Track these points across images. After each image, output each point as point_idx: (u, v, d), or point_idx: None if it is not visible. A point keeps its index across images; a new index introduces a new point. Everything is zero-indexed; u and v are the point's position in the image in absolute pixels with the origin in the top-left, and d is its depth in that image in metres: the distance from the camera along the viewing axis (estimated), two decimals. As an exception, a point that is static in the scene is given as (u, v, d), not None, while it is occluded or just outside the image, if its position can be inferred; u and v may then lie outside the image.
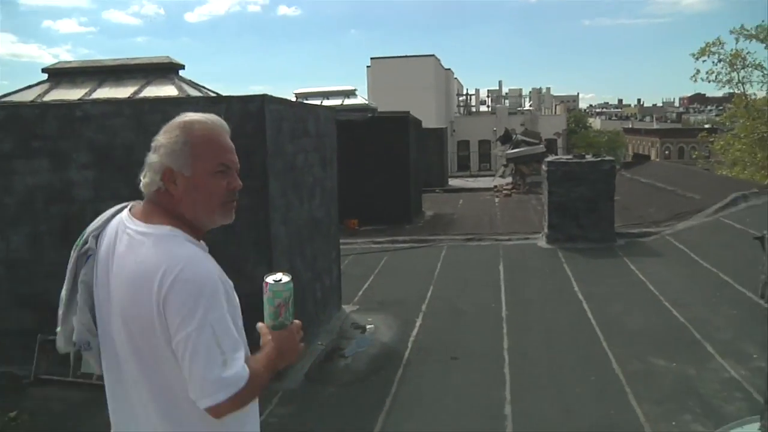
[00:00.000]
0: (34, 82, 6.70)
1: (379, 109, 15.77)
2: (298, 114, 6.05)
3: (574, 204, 10.43)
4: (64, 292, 1.82)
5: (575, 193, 10.44)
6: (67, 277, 1.82)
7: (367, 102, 15.13)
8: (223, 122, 1.86)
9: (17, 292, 5.97)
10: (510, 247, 10.72)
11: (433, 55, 42.92)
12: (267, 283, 1.83)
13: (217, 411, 1.62)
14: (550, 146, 30.46)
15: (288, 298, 1.87)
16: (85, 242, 1.79)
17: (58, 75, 6.73)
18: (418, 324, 6.91)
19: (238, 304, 1.81)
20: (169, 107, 5.34)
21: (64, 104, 5.64)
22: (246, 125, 5.18)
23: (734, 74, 27.93)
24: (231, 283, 1.80)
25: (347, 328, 6.92)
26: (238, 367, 1.63)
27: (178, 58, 6.56)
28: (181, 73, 6.58)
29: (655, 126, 79.24)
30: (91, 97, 6.07)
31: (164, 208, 1.75)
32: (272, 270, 5.23)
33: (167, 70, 6.46)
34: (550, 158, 11.88)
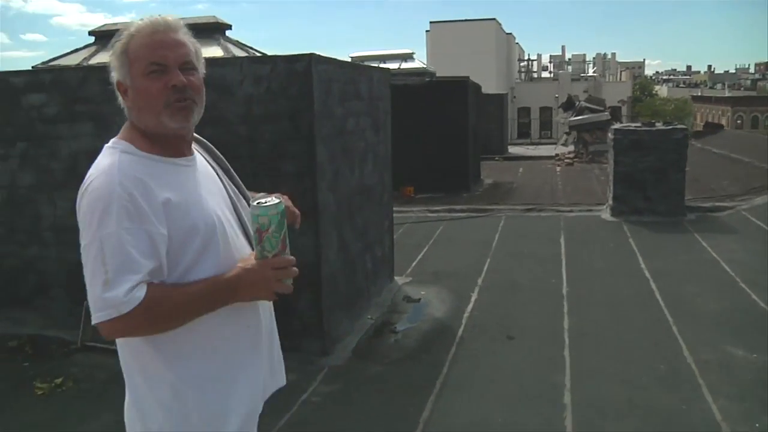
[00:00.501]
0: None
1: (438, 74, 15.30)
2: (349, 75, 5.71)
3: (641, 174, 9.86)
4: None
5: (643, 163, 9.86)
6: None
7: (425, 66, 14.67)
8: (170, 20, 1.72)
9: (64, 257, 5.89)
10: (571, 218, 10.24)
11: (494, 19, 41.82)
12: (251, 205, 1.67)
13: (103, 331, 1.53)
14: (615, 114, 29.34)
15: (267, 225, 1.64)
16: None
17: (104, 38, 6.56)
18: (473, 299, 6.58)
19: (198, 185, 1.70)
20: (212, 68, 5.07)
21: (106, 67, 5.44)
22: (292, 86, 4.89)
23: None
24: (194, 203, 1.66)
25: (399, 301, 6.64)
26: (123, 289, 1.48)
27: (236, 24, 6.31)
28: (228, 33, 6.32)
29: (727, 93, 75.86)
30: (136, 58, 5.87)
31: (130, 123, 1.72)
32: (318, 240, 4.99)
33: (213, 30, 6.21)
34: (617, 125, 11.26)
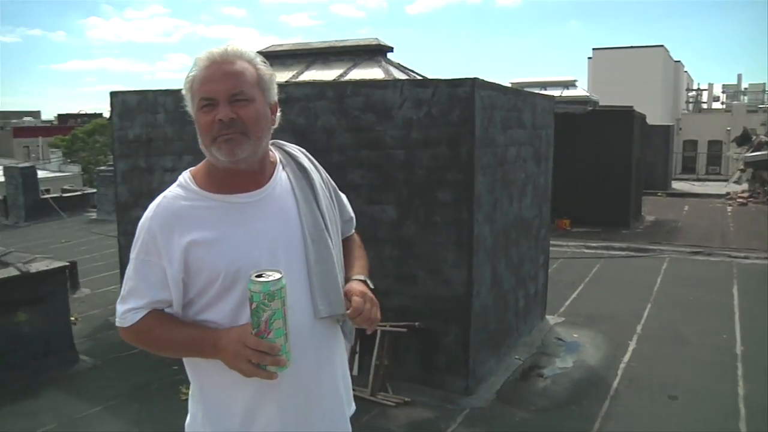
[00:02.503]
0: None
1: (600, 103, 14.62)
2: (512, 102, 5.44)
3: (834, 223, 8.77)
4: None
5: (837, 210, 8.76)
6: None
7: (587, 94, 14.05)
8: (226, 50, 1.67)
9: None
10: (746, 266, 9.29)
11: (661, 46, 39.76)
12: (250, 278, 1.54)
13: (120, 333, 1.73)
14: (797, 151, 26.79)
15: (251, 299, 1.52)
16: None
17: (269, 58, 6.66)
18: (631, 348, 6.05)
19: (239, 224, 1.66)
20: (371, 90, 5.01)
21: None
22: (453, 111, 4.69)
23: None
24: (233, 240, 1.64)
25: (549, 342, 6.24)
26: (124, 308, 1.68)
27: (397, 49, 6.25)
28: (390, 56, 6.25)
29: None
30: (298, 79, 5.93)
31: None
32: (471, 273, 4.75)
33: (375, 53, 6.16)
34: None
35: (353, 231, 2.04)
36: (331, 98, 5.16)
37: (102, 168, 17.92)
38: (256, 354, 1.54)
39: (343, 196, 2.00)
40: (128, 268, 1.71)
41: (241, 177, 1.69)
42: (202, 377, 1.76)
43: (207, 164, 1.73)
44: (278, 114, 1.77)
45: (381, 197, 5.03)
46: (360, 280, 1.81)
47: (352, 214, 2.02)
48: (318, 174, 1.88)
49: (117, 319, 1.71)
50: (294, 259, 1.70)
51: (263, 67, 1.72)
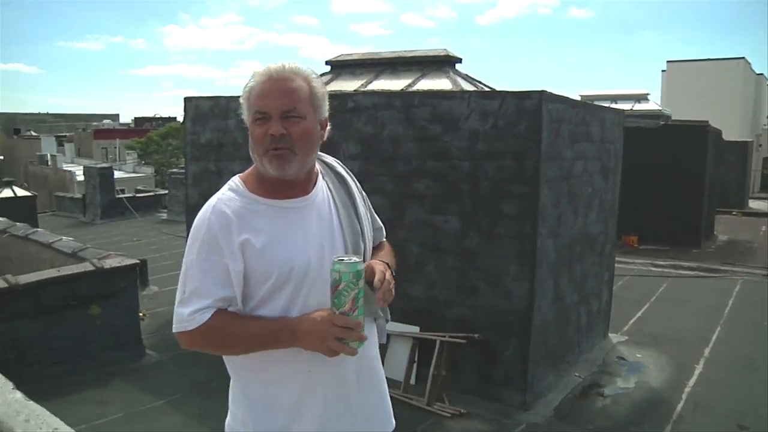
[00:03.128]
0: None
1: (673, 117, 14.25)
2: (580, 115, 5.37)
3: None
4: None
5: None
6: None
7: (660, 108, 13.72)
8: (284, 67, 1.74)
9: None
10: (826, 291, 8.87)
11: (743, 58, 38.40)
12: (333, 261, 1.67)
13: (179, 339, 1.73)
14: None
15: (338, 280, 1.63)
16: None
17: (339, 67, 6.81)
18: (697, 372, 5.86)
19: (291, 229, 1.73)
20: (438, 101, 5.03)
21: (338, 94, 5.62)
22: (519, 124, 4.67)
23: None
24: (287, 245, 1.72)
25: (611, 361, 6.11)
26: (189, 310, 1.68)
27: (466, 59, 6.26)
28: (458, 67, 6.25)
29: None
30: (366, 89, 6.00)
31: None
32: (533, 287, 4.71)
33: (443, 63, 6.17)
34: None
35: (384, 238, 2.09)
36: (399, 108, 5.21)
37: (173, 170, 18.47)
38: (344, 331, 1.63)
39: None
40: (186, 270, 1.72)
41: (289, 185, 1.77)
42: (246, 376, 1.81)
43: (256, 170, 1.79)
44: (328, 129, 1.82)
45: (445, 208, 5.04)
46: (382, 261, 1.85)
47: (381, 224, 2.07)
48: (354, 183, 1.96)
49: (178, 325, 1.70)
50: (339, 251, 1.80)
51: (317, 84, 1.78)
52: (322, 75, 7.08)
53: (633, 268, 10.06)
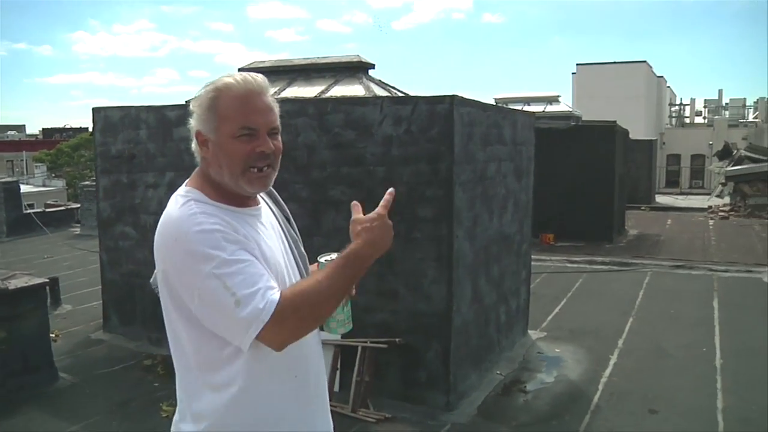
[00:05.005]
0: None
1: (583, 118, 14.74)
2: (492, 119, 5.50)
3: (812, 237, 8.88)
4: None
5: (815, 224, 8.88)
6: None
7: (570, 109, 14.17)
8: (261, 81, 1.70)
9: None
10: (727, 279, 9.39)
11: (644, 62, 40.17)
12: (319, 262, 1.76)
13: (265, 341, 1.54)
14: (778, 165, 27.05)
15: None
16: None
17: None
18: (612, 362, 6.08)
19: (261, 236, 1.69)
20: (352, 107, 5.04)
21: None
22: (432, 128, 4.73)
23: None
24: (268, 251, 1.68)
25: (531, 357, 6.26)
26: (256, 299, 1.50)
27: (382, 64, 6.31)
28: (371, 72, 6.30)
29: None
30: (280, 96, 5.96)
31: (202, 171, 1.71)
32: (451, 289, 4.77)
33: (356, 69, 6.21)
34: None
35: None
36: (312, 115, 5.20)
37: (86, 183, 17.83)
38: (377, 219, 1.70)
39: None
40: (215, 277, 1.52)
41: (248, 197, 1.75)
42: (223, 396, 1.65)
43: (209, 180, 1.70)
44: None
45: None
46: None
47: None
48: (277, 196, 1.98)
49: (258, 323, 1.50)
50: (295, 268, 1.82)
51: (275, 100, 1.77)
52: (236, 83, 7.00)
53: (550, 265, 10.36)
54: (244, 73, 1.68)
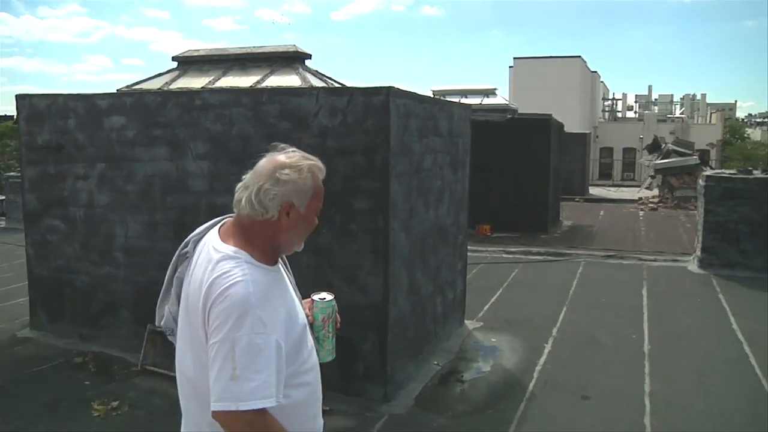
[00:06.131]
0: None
1: (519, 111, 14.97)
2: (428, 110, 5.51)
3: (735, 226, 9.24)
4: (165, 283, 2.09)
5: (738, 213, 9.24)
6: (168, 271, 2.06)
7: (507, 102, 14.36)
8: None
9: (133, 279, 5.88)
10: (655, 268, 9.70)
11: (579, 57, 41.10)
12: (313, 300, 2.13)
13: (219, 419, 1.72)
14: (703, 158, 28.14)
15: (329, 315, 2.12)
16: (185, 246, 2.01)
17: (187, 63, 6.61)
18: (546, 351, 6.20)
19: (302, 326, 1.95)
20: (287, 97, 4.98)
21: (185, 92, 5.45)
22: (368, 120, 4.71)
23: None
24: (293, 309, 1.94)
25: (468, 347, 6.33)
26: (251, 386, 1.69)
27: (320, 55, 6.27)
28: (308, 63, 6.24)
29: (829, 140, 71.72)
30: (215, 86, 5.85)
31: (249, 232, 1.88)
32: (388, 281, 4.77)
33: (292, 59, 6.14)
34: (709, 172, 10.66)
35: None
36: (247, 105, 5.11)
37: (12, 174, 17.16)
38: None
39: None
40: (232, 344, 1.71)
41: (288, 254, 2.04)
42: None
43: (251, 241, 1.88)
44: None
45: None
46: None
47: None
48: None
49: (226, 404, 1.70)
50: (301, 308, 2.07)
51: None
52: (170, 71, 6.82)
53: (486, 255, 10.49)
54: (316, 159, 1.95)
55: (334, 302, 2.12)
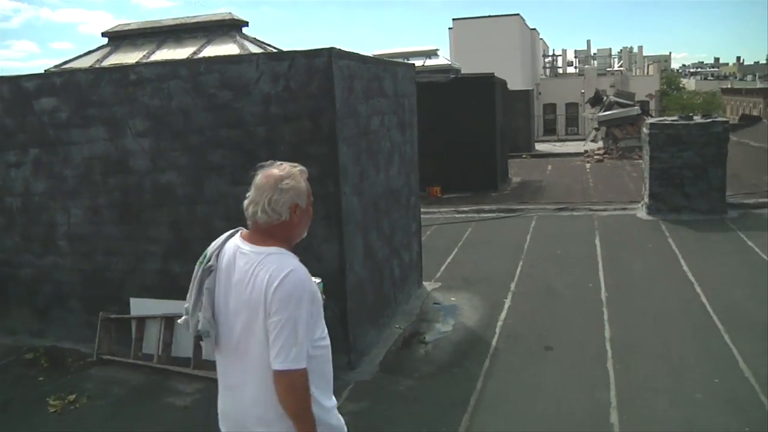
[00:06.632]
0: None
1: (462, 71, 14.92)
2: (372, 71, 5.39)
3: (679, 171, 9.44)
4: (190, 295, 2.41)
5: (681, 158, 9.43)
6: (193, 284, 2.40)
7: (449, 63, 14.28)
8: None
9: (80, 267, 5.66)
10: (606, 218, 9.84)
11: (518, 14, 41.19)
12: None
13: (281, 376, 2.18)
14: (643, 108, 28.66)
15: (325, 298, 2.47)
16: (209, 260, 2.38)
17: (118, 38, 6.32)
18: (506, 306, 6.24)
19: (321, 302, 2.37)
20: (226, 66, 4.80)
21: (118, 68, 5.21)
22: (311, 83, 4.58)
23: None
24: (315, 285, 2.35)
25: (428, 309, 6.32)
26: (303, 351, 2.19)
27: (258, 27, 6.06)
28: (245, 31, 6.03)
29: (759, 85, 74.05)
30: (149, 60, 5.61)
31: (276, 233, 2.32)
32: (343, 247, 4.67)
33: (229, 28, 5.93)
34: (653, 120, 10.82)
35: None
36: (185, 77, 4.91)
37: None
38: None
39: None
40: (295, 321, 2.17)
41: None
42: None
43: (281, 239, 2.33)
44: None
45: (246, 177, 4.81)
46: None
47: None
48: None
49: (290, 364, 2.16)
50: None
51: None
52: (100, 48, 6.52)
53: (439, 216, 10.48)
54: (302, 166, 2.39)
55: (322, 285, 2.51)
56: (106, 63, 5.68)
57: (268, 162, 2.39)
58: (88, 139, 5.33)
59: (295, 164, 2.40)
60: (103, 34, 6.36)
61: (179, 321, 2.55)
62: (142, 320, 5.35)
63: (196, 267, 2.41)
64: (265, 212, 2.28)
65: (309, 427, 2.24)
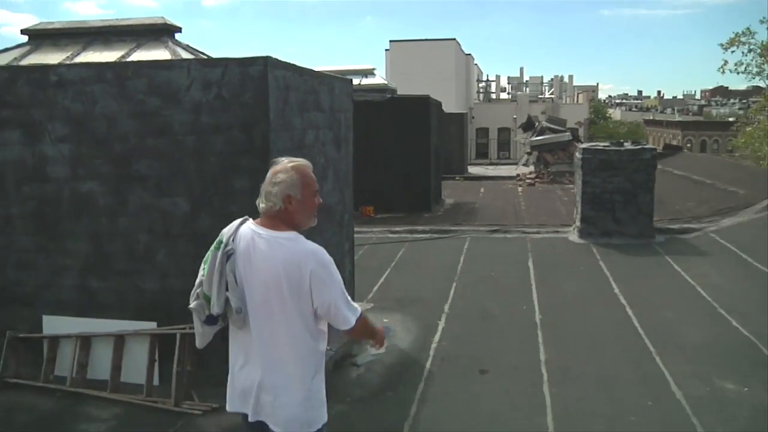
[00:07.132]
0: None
1: (398, 92, 14.94)
2: (309, 84, 5.22)
3: (610, 195, 9.58)
4: (211, 279, 2.61)
5: (612, 183, 9.59)
6: (215, 267, 2.59)
7: (386, 82, 14.28)
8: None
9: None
10: (538, 240, 9.90)
11: (453, 39, 41.84)
12: None
13: (357, 325, 2.65)
14: (575, 134, 29.37)
15: None
16: (227, 244, 2.61)
17: (39, 37, 5.95)
18: (440, 328, 6.12)
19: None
20: (155, 71, 4.55)
21: (37, 68, 4.87)
22: (245, 93, 4.38)
23: (766, 66, 26.42)
24: None
25: (360, 330, 6.12)
26: (356, 305, 2.68)
27: (192, 39, 5.82)
28: (178, 37, 5.77)
29: (678, 118, 77.36)
30: (73, 61, 5.29)
31: (281, 220, 2.60)
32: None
33: (161, 32, 5.66)
34: (585, 145, 11.00)
35: None
36: (111, 81, 4.63)
37: None
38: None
39: None
40: (341, 287, 2.61)
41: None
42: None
43: (287, 224, 2.60)
44: None
45: (172, 189, 4.60)
46: None
47: None
48: None
49: (357, 312, 2.64)
50: None
51: None
52: (19, 46, 6.14)
53: (371, 236, 10.33)
54: (301, 159, 2.70)
55: None
56: (24, 62, 5.32)
57: (278, 159, 2.69)
58: (1, 143, 4.96)
59: (294, 159, 2.68)
60: (23, 32, 5.97)
61: (191, 306, 2.67)
62: (55, 339, 4.98)
63: (212, 252, 2.63)
64: (264, 201, 2.61)
65: (378, 333, 2.88)
